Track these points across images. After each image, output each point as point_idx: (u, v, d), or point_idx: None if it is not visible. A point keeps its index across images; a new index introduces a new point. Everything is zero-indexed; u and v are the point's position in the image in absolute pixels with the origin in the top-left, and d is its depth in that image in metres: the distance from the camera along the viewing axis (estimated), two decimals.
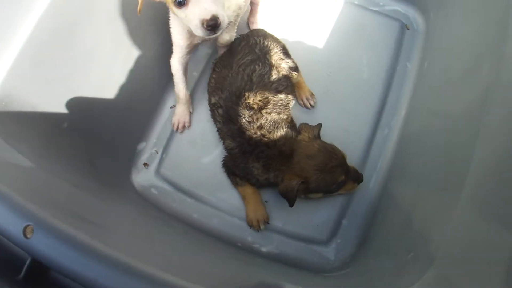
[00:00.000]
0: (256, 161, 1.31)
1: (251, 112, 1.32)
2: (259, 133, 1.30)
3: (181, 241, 1.27)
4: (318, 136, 1.33)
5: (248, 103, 1.33)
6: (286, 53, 1.47)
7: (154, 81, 1.58)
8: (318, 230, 1.40)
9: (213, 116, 1.44)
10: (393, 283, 0.97)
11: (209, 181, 1.48)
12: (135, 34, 1.44)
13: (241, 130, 1.32)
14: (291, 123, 1.38)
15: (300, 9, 1.69)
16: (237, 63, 1.38)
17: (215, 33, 1.13)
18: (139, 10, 1.17)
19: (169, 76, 1.53)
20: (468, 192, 0.93)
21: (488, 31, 1.18)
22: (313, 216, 1.42)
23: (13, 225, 0.74)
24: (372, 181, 1.46)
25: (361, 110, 1.54)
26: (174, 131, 1.54)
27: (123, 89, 1.45)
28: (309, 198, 1.35)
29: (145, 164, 1.52)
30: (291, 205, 1.26)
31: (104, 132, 1.41)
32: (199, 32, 1.13)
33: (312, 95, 1.54)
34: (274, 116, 1.34)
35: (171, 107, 1.59)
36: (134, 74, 1.48)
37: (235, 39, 1.48)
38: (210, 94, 1.45)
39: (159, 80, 1.60)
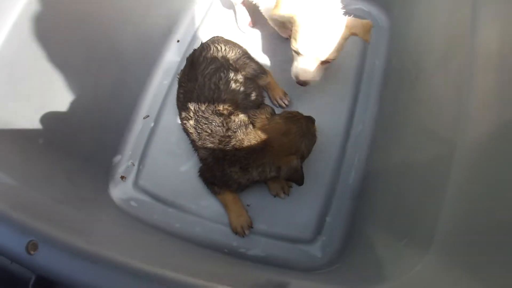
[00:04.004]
0: (232, 166, 1.30)
1: (221, 118, 1.31)
2: (227, 134, 1.30)
3: (168, 249, 1.25)
4: (274, 112, 1.35)
5: (218, 110, 1.33)
6: (249, 57, 1.48)
7: (126, 92, 1.55)
8: (302, 229, 1.40)
9: (185, 130, 1.44)
10: (390, 272, 0.97)
11: (189, 189, 1.46)
12: (106, 44, 1.42)
13: (211, 136, 1.32)
14: None
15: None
16: (202, 73, 1.37)
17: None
18: None
19: (141, 86, 1.53)
20: (457, 171, 0.94)
21: (456, 22, 1.21)
22: (296, 216, 1.42)
23: (15, 243, 0.71)
24: (352, 176, 1.47)
25: (334, 108, 1.56)
26: (148, 142, 1.53)
27: (96, 101, 1.42)
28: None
29: (122, 177, 1.49)
30: (301, 183, 1.26)
31: (79, 147, 1.38)
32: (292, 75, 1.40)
33: (285, 94, 1.55)
34: (241, 117, 1.33)
35: (144, 118, 1.56)
36: (106, 86, 1.46)
37: (194, 50, 1.49)
38: (180, 108, 1.44)
39: (131, 90, 1.58)
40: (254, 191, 1.42)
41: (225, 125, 1.31)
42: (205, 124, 1.33)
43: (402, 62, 1.52)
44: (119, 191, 1.47)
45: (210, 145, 1.32)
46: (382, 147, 1.45)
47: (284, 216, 1.42)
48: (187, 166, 1.49)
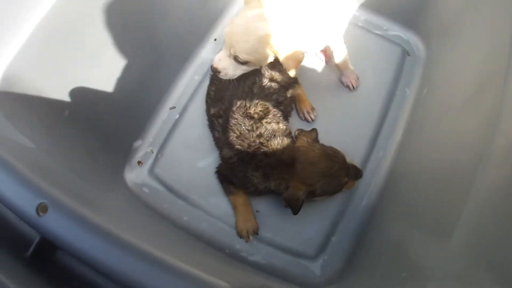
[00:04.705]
0: (255, 170, 1.30)
1: (251, 122, 1.32)
2: (258, 141, 1.30)
3: (173, 238, 1.27)
4: (316, 140, 1.35)
5: (249, 113, 1.33)
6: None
7: (157, 81, 1.58)
8: (306, 244, 1.40)
9: (212, 126, 1.45)
10: None
11: (202, 185, 1.47)
12: (145, 32, 1.45)
13: (240, 139, 1.32)
14: (289, 134, 1.38)
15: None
16: None
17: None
18: None
19: (172, 77, 1.58)
20: (465, 221, 0.93)
21: (492, 62, 1.21)
22: (303, 230, 1.42)
23: (27, 203, 0.73)
24: (364, 201, 1.46)
25: (358, 130, 1.56)
26: (171, 133, 1.55)
27: (126, 85, 1.45)
28: (312, 201, 1.35)
29: (139, 162, 1.51)
30: (295, 213, 1.26)
31: (103, 125, 1.41)
32: None
33: (312, 109, 1.55)
34: (273, 125, 1.34)
35: (170, 108, 1.59)
36: (138, 71, 1.49)
37: None
38: (210, 105, 1.46)
39: (162, 79, 1.60)
40: (266, 198, 1.43)
41: (254, 129, 1.32)
42: (234, 125, 1.33)
43: (433, 94, 1.51)
44: (134, 175, 1.49)
45: (238, 146, 1.32)
46: (400, 176, 1.45)
47: (290, 228, 1.42)
48: (205, 162, 1.50)
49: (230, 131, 1.34)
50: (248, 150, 1.31)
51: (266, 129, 1.32)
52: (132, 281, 0.69)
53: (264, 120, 1.34)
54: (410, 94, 1.61)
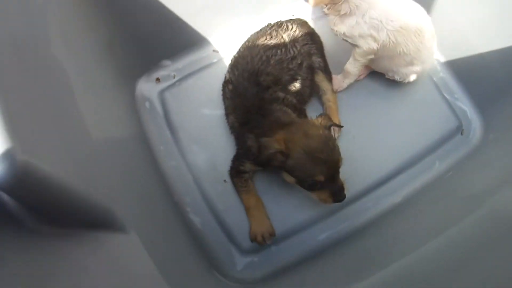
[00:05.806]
0: (250, 132, 1.26)
1: (257, 88, 1.29)
2: (257, 104, 1.27)
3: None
4: (328, 129, 1.22)
5: (258, 80, 1.30)
6: (320, 51, 1.44)
7: (217, 19, 1.59)
8: (247, 236, 1.35)
9: (223, 94, 1.43)
10: None
11: (194, 130, 1.48)
12: None
13: (243, 103, 1.30)
14: (294, 112, 1.30)
15: None
16: (259, 43, 1.36)
17: None
18: None
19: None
20: None
21: None
22: None
23: None
24: (324, 235, 1.37)
25: (363, 173, 1.43)
26: (200, 71, 1.56)
27: (183, 6, 1.46)
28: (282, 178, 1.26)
29: (157, 79, 1.54)
30: (257, 161, 1.22)
31: (143, 28, 1.45)
32: None
33: (339, 126, 1.42)
34: (279, 94, 1.29)
35: (213, 50, 1.59)
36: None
37: (269, 23, 1.47)
38: (227, 71, 1.43)
39: (220, 20, 1.60)
40: None
41: (259, 94, 1.28)
42: (242, 91, 1.31)
43: (455, 181, 1.38)
44: (146, 88, 1.53)
45: (239, 111, 1.31)
46: (373, 230, 1.35)
47: (244, 214, 1.37)
48: (211, 112, 1.50)
49: (237, 97, 1.32)
50: (249, 111, 1.27)
51: (270, 95, 1.28)
52: None
53: (271, 89, 1.29)
54: (435, 169, 1.46)
